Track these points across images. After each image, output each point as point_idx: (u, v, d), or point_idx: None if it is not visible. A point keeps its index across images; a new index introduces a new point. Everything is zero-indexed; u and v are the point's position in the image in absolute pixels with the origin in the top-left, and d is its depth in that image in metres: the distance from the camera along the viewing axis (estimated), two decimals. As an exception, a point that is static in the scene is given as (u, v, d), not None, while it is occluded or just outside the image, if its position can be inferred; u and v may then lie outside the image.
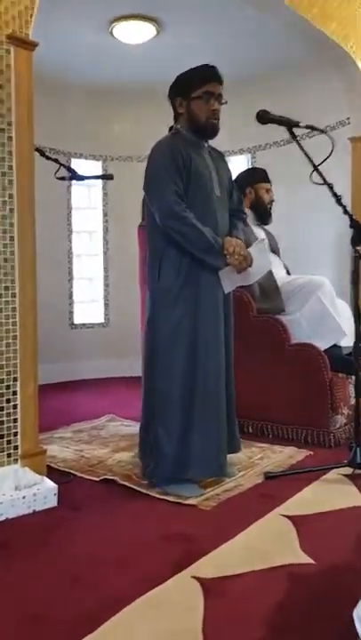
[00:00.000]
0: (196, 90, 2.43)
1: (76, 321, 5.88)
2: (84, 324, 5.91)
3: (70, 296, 5.84)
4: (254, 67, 4.93)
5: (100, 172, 5.79)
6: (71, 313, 5.84)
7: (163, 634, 1.42)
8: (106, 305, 6.03)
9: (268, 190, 3.72)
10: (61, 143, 5.56)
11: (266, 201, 3.71)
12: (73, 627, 1.45)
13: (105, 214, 5.99)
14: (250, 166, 5.43)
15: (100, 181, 5.79)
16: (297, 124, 2.25)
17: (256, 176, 3.77)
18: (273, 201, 3.74)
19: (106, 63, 5.03)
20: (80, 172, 3.15)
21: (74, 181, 3.04)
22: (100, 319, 6.02)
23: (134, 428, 3.56)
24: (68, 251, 5.81)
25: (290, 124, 2.27)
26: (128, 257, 5.61)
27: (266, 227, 3.78)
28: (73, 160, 5.65)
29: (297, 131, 2.38)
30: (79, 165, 5.19)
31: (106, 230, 6.00)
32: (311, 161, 2.26)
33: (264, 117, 2.29)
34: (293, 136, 2.26)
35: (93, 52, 4.81)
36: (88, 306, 6.00)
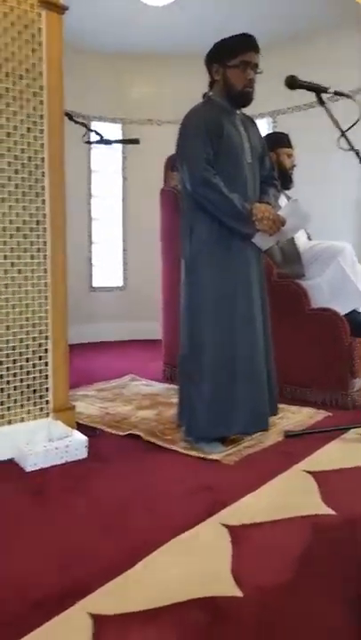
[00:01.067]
0: (233, 58, 2.44)
1: (95, 284, 5.96)
2: (102, 287, 6.00)
3: (90, 259, 5.91)
4: (277, 29, 4.88)
5: (119, 135, 5.80)
6: (90, 276, 5.92)
7: (195, 574, 1.52)
8: (124, 269, 6.10)
9: (289, 155, 3.73)
10: (81, 105, 5.56)
11: (287, 166, 3.72)
12: (111, 564, 1.56)
13: (124, 178, 6.01)
14: (270, 130, 5.41)
15: (119, 145, 5.80)
16: (325, 90, 2.27)
17: (278, 140, 3.77)
18: (295, 166, 3.75)
19: (128, 26, 5.00)
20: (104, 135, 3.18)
21: (94, 145, 3.05)
22: (119, 283, 6.10)
23: (155, 387, 3.68)
24: (88, 214, 5.86)
25: (319, 90, 2.29)
26: (146, 221, 5.66)
27: (287, 191, 3.81)
28: (92, 123, 5.66)
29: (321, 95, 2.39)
30: (98, 128, 5.21)
31: (125, 194, 6.03)
32: (339, 127, 2.28)
33: (293, 83, 2.30)
34: (322, 102, 2.29)
35: (115, 15, 4.77)
36: (106, 269, 6.07)
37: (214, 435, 2.52)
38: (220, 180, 2.40)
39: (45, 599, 1.40)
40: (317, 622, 1.32)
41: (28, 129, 2.39)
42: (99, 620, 1.31)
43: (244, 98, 2.52)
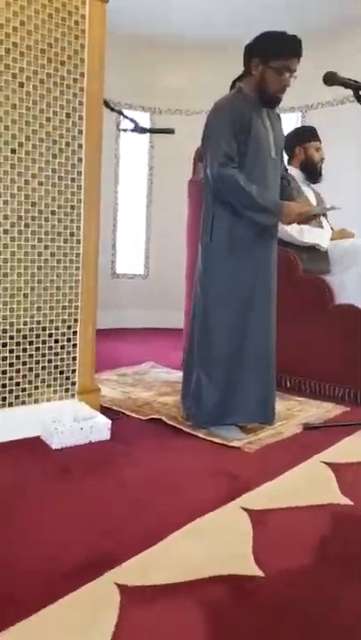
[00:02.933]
0: (276, 60, 2.42)
1: (118, 271, 6.02)
2: (125, 274, 6.05)
3: (113, 246, 5.96)
4: (310, 23, 4.88)
5: (147, 124, 5.83)
6: (113, 263, 5.98)
7: (217, 553, 1.57)
8: (146, 257, 6.14)
9: (318, 149, 3.74)
10: (112, 92, 5.57)
11: (316, 160, 3.73)
12: (137, 540, 1.61)
13: (150, 167, 6.04)
14: (299, 125, 5.42)
15: (147, 133, 5.83)
16: (365, 88, 2.29)
17: (305, 135, 3.78)
18: (323, 159, 3.77)
19: (162, 15, 5.02)
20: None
21: (128, 133, 3.09)
22: (140, 271, 6.15)
23: (174, 375, 3.73)
24: (114, 202, 5.90)
25: (358, 87, 2.31)
26: (171, 210, 5.71)
27: (314, 185, 3.82)
28: (122, 111, 5.68)
29: (350, 91, 2.40)
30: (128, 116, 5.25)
31: (150, 183, 6.07)
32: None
33: (332, 79, 2.33)
34: (359, 99, 2.31)
35: (150, 2, 4.79)
36: (129, 257, 6.12)
37: (220, 421, 2.57)
38: (238, 173, 2.42)
39: (74, 570, 1.46)
40: (335, 604, 1.37)
41: (68, 114, 2.44)
42: (125, 591, 1.36)
43: (274, 101, 2.54)
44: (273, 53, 2.43)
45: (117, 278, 6.02)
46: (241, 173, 2.44)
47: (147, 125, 5.76)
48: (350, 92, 2.38)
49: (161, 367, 4.03)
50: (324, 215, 3.82)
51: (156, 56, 5.77)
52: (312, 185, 3.80)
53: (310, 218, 2.61)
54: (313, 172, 3.74)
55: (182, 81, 5.92)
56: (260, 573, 1.48)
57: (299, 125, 5.27)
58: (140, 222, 6.14)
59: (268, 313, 2.60)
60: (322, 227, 3.65)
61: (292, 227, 3.35)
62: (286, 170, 2.89)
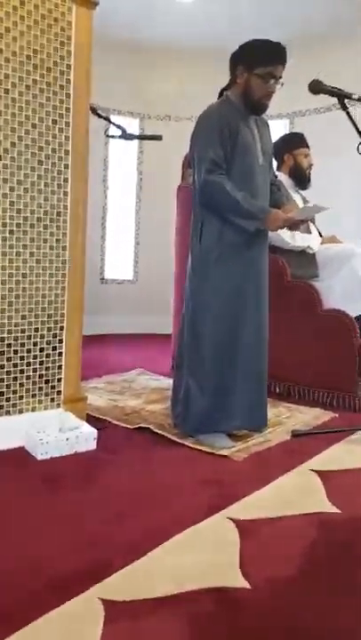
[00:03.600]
0: (260, 67, 2.43)
1: (107, 276, 6.00)
2: (113, 280, 6.03)
3: (102, 251, 5.95)
4: (298, 30, 4.90)
5: (136, 130, 5.83)
6: (102, 268, 5.96)
7: (204, 565, 1.56)
8: (135, 262, 6.13)
9: (306, 155, 3.75)
10: (100, 98, 5.58)
11: (304, 166, 3.73)
12: (122, 553, 1.59)
13: (140, 172, 6.03)
14: (288, 132, 5.42)
15: (136, 140, 5.83)
16: (350, 96, 2.28)
17: (294, 142, 3.79)
18: (311, 165, 3.77)
19: (152, 20, 5.02)
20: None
21: (116, 139, 3.06)
22: (129, 276, 6.13)
23: (163, 382, 3.71)
24: (103, 207, 5.89)
25: (342, 96, 2.31)
26: (160, 216, 5.70)
27: (303, 192, 3.82)
28: (110, 117, 5.67)
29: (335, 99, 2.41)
30: (116, 122, 5.24)
31: (139, 188, 6.06)
32: (360, 132, 2.31)
33: (317, 88, 2.33)
34: (345, 107, 2.31)
35: (141, 9, 4.80)
36: (118, 262, 6.11)
37: (210, 429, 2.56)
38: (225, 180, 2.42)
39: (58, 584, 1.43)
40: (323, 616, 1.35)
41: (54, 121, 2.42)
42: (110, 606, 1.34)
43: (259, 108, 2.55)
44: (257, 61, 2.44)
45: (106, 283, 6.00)
46: (228, 180, 2.43)
47: (135, 131, 5.75)
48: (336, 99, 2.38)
49: (150, 374, 4.01)
50: (312, 221, 3.82)
51: (145, 62, 5.76)
52: (301, 191, 3.81)
53: (297, 223, 2.61)
54: (302, 179, 3.74)
55: (171, 87, 5.92)
56: (246, 585, 1.46)
57: (287, 132, 5.29)
58: (129, 227, 6.12)
59: (259, 319, 2.59)
60: (310, 233, 3.66)
61: (283, 231, 3.35)
62: (276, 176, 2.89)
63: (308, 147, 3.76)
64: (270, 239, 2.76)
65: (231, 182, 2.43)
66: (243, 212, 2.43)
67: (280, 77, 2.47)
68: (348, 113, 2.32)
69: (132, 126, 5.88)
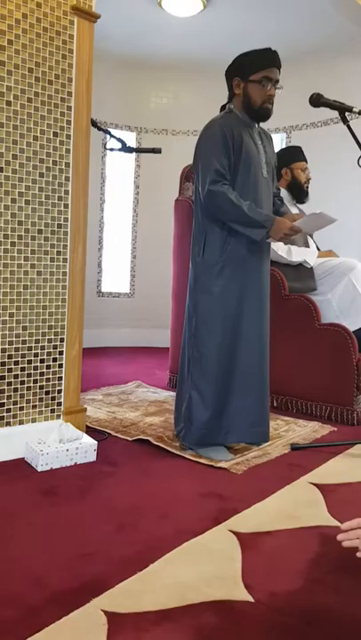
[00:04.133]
0: (255, 73, 2.47)
1: (104, 289, 6.01)
2: (110, 293, 6.04)
3: (99, 264, 5.96)
4: (295, 44, 4.96)
5: (134, 143, 5.87)
6: (99, 281, 5.96)
7: (206, 578, 1.54)
8: (132, 276, 6.14)
9: (303, 169, 3.77)
10: (98, 112, 5.62)
11: (302, 180, 3.75)
12: (123, 565, 1.58)
13: (136, 186, 6.06)
14: (284, 145, 5.47)
15: (134, 153, 5.86)
16: (350, 109, 2.31)
17: (291, 156, 3.80)
18: (309, 179, 3.79)
19: (150, 35, 5.08)
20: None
21: (115, 152, 3.09)
22: (126, 289, 6.14)
23: (161, 395, 3.70)
24: (100, 220, 5.91)
25: (343, 109, 2.33)
26: (157, 229, 5.73)
27: (301, 205, 3.85)
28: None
29: (334, 112, 2.44)
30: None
31: (136, 202, 6.08)
32: (360, 146, 2.33)
33: (318, 101, 2.35)
34: (345, 120, 2.33)
35: (138, 24, 4.85)
36: (115, 275, 6.11)
37: (211, 442, 2.55)
38: (230, 190, 2.43)
39: (59, 596, 1.42)
40: (327, 628, 1.34)
41: (55, 134, 2.44)
42: (113, 618, 1.33)
43: (264, 113, 2.57)
44: (250, 68, 2.48)
45: (103, 297, 6.00)
46: (232, 190, 2.44)
47: (133, 145, 5.79)
48: (335, 113, 2.40)
49: (147, 387, 4.00)
50: (310, 235, 3.84)
51: (144, 76, 5.81)
52: (298, 205, 3.83)
53: (295, 234, 2.60)
54: (300, 193, 3.76)
55: (169, 101, 5.97)
56: (249, 598, 1.45)
57: (284, 146, 5.33)
58: (126, 241, 6.14)
59: (260, 331, 2.59)
60: (308, 246, 3.67)
61: (278, 246, 3.36)
62: (278, 189, 2.90)
63: (305, 160, 3.79)
64: None
65: (236, 192, 2.44)
66: (247, 221, 2.44)
67: (277, 81, 2.51)
68: (348, 126, 2.34)
69: (130, 140, 5.91)
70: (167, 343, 4.10)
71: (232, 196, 2.42)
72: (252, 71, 2.48)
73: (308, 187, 3.76)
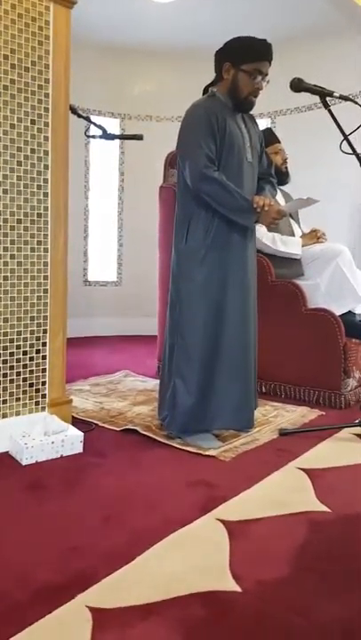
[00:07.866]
0: (247, 63, 2.42)
1: (90, 278, 5.96)
2: (97, 282, 6.00)
3: (85, 253, 5.91)
4: (278, 30, 4.89)
5: (117, 130, 5.80)
6: (85, 270, 5.92)
7: (194, 568, 1.53)
8: (119, 264, 6.10)
9: (277, 152, 3.71)
10: (81, 99, 5.55)
11: (278, 163, 3.69)
12: (110, 558, 1.57)
13: (121, 173, 6.01)
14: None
15: (117, 139, 5.80)
16: (331, 94, 2.27)
17: (264, 140, 3.75)
18: (286, 159, 3.74)
19: (131, 21, 5.00)
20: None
21: (92, 138, 3.03)
22: (113, 278, 6.10)
23: (149, 383, 3.68)
24: (85, 208, 5.85)
25: (324, 94, 2.30)
26: (142, 217, 5.68)
27: (283, 187, 3.80)
28: (91, 117, 5.64)
29: (316, 98, 2.40)
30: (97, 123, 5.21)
31: (121, 189, 6.03)
32: (342, 130, 2.30)
33: (298, 86, 2.31)
34: (326, 105, 2.30)
35: (122, 10, 4.78)
36: (101, 264, 6.07)
37: (195, 429, 2.54)
38: (221, 175, 2.41)
39: (45, 592, 1.40)
40: (315, 617, 1.34)
41: (33, 121, 2.39)
42: (98, 614, 1.32)
43: (247, 105, 2.54)
44: (244, 57, 2.43)
45: (90, 286, 5.96)
46: (222, 175, 2.41)
47: (116, 131, 5.73)
48: (317, 98, 2.37)
49: (136, 375, 3.99)
50: (296, 221, 3.82)
51: (126, 62, 5.74)
52: (281, 187, 3.79)
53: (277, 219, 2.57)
54: (279, 176, 3.71)
55: (152, 87, 5.90)
56: (237, 588, 1.44)
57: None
58: (112, 229, 6.09)
59: (246, 317, 2.57)
60: (293, 234, 3.64)
61: (262, 233, 3.34)
62: (271, 175, 2.83)
63: (278, 141, 3.73)
64: None
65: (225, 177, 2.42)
66: (240, 207, 2.42)
67: (267, 74, 2.47)
68: (330, 111, 2.31)
69: (113, 127, 5.86)
70: (155, 331, 4.08)
71: (224, 181, 2.39)
72: (245, 61, 2.43)
73: (286, 167, 3.72)
